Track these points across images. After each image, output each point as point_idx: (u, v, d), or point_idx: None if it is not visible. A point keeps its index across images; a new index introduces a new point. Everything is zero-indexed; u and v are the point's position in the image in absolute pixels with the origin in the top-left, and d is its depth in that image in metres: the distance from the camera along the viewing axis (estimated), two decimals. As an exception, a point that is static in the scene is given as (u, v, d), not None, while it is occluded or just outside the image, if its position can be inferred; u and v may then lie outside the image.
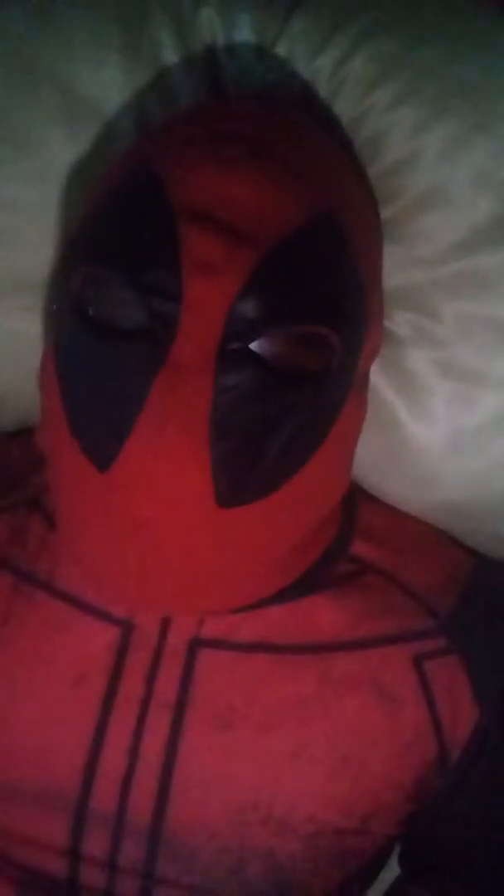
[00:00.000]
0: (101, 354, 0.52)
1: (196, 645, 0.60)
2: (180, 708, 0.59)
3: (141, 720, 0.59)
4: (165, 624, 0.60)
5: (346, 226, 0.54)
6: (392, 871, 0.69)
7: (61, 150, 0.62)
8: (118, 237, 0.52)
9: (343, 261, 0.54)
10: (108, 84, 0.61)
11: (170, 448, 0.49)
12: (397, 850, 0.68)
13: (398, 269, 0.61)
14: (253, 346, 0.51)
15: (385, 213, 0.61)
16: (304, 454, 0.55)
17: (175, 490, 0.50)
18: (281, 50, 0.61)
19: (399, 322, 0.63)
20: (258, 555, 0.57)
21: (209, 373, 0.49)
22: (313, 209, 0.52)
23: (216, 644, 0.60)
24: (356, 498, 0.68)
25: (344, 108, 0.61)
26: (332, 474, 0.60)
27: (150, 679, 0.59)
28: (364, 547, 0.65)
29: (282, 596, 0.61)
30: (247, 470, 0.52)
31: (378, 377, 0.64)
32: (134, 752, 0.58)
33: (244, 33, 0.61)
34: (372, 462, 0.66)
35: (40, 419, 0.59)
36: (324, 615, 0.61)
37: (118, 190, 0.53)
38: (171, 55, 0.62)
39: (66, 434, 0.54)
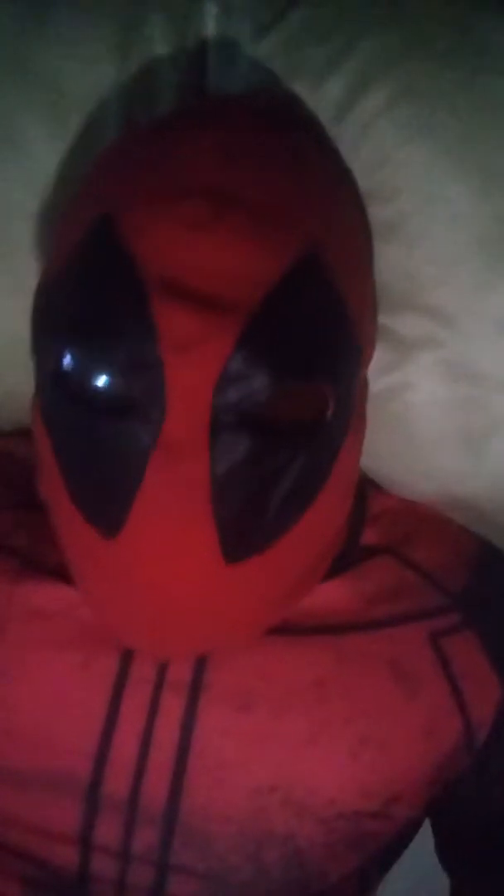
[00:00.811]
0: (92, 430, 0.51)
1: None
2: (195, 690, 0.58)
3: (154, 703, 0.58)
4: None
5: (329, 257, 0.52)
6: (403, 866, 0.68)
7: (51, 150, 0.62)
8: (89, 313, 0.50)
9: (330, 302, 0.52)
10: (100, 84, 0.61)
11: (173, 519, 0.49)
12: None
13: (400, 270, 0.61)
14: (244, 412, 0.50)
15: (385, 213, 0.61)
16: (307, 500, 0.54)
17: (182, 557, 0.50)
18: (275, 44, 0.61)
19: (404, 323, 0.63)
20: (267, 596, 0.57)
21: (203, 449, 0.49)
22: (294, 254, 0.51)
23: None
24: (365, 487, 0.68)
25: (340, 107, 0.61)
26: (337, 505, 0.60)
27: (163, 662, 0.59)
28: (375, 533, 0.65)
29: None
30: (251, 526, 0.52)
31: (384, 377, 0.64)
32: (147, 736, 0.58)
33: (239, 30, 0.61)
34: (380, 459, 0.67)
35: (40, 470, 0.58)
36: (338, 598, 0.61)
37: (83, 247, 0.51)
38: (163, 55, 0.62)
39: (68, 503, 0.54)
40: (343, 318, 0.53)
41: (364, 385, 0.60)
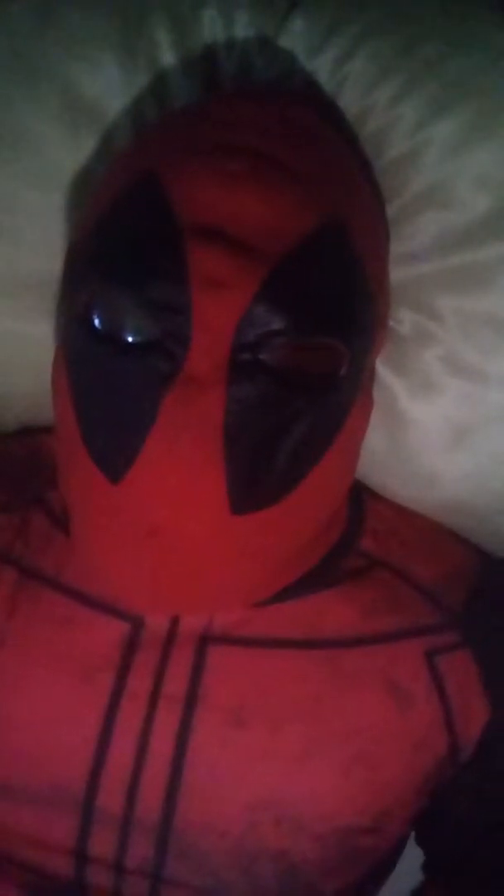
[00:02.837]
0: (113, 369, 0.52)
1: (206, 641, 0.59)
2: (190, 704, 0.58)
3: (149, 717, 0.58)
4: (175, 620, 0.60)
5: (353, 231, 0.54)
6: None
7: (61, 150, 0.62)
8: (125, 254, 0.52)
9: (351, 267, 0.54)
10: (108, 83, 0.61)
11: (184, 460, 0.50)
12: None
13: (399, 266, 0.61)
14: (262, 356, 0.51)
15: (387, 209, 0.61)
16: (314, 457, 0.55)
17: (189, 499, 0.51)
18: (279, 49, 0.61)
19: (400, 319, 0.63)
20: (269, 555, 0.57)
21: (221, 386, 0.50)
22: (321, 218, 0.52)
23: (226, 640, 0.59)
24: (363, 495, 0.68)
25: (345, 107, 0.61)
26: (340, 473, 0.60)
27: (159, 675, 0.59)
28: (372, 543, 0.65)
29: (292, 593, 0.60)
30: (259, 477, 0.53)
31: (381, 375, 0.64)
32: (142, 750, 0.58)
33: (244, 32, 0.61)
34: (375, 460, 0.66)
35: (55, 425, 0.59)
36: (334, 611, 0.61)
37: (122, 202, 0.53)
38: (170, 55, 0.62)
39: (79, 445, 0.54)
40: (362, 285, 0.55)
41: (373, 371, 0.61)
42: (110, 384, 0.52)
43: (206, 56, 0.62)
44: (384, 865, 0.64)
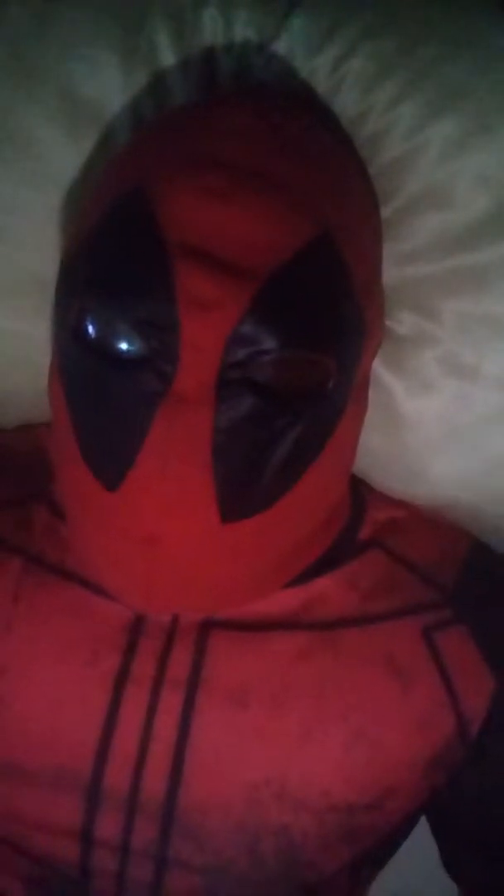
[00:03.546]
0: (106, 382, 0.53)
1: (208, 625, 0.60)
2: (192, 687, 0.59)
3: (154, 700, 0.59)
4: None
5: (342, 241, 0.54)
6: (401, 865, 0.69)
7: (60, 151, 0.63)
8: (114, 271, 0.53)
9: (340, 279, 0.54)
10: (107, 85, 0.62)
11: (174, 473, 0.51)
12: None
13: (396, 267, 0.62)
14: (251, 374, 0.52)
15: (384, 211, 0.61)
16: (303, 466, 0.56)
17: (180, 510, 0.52)
18: (280, 49, 0.62)
19: (398, 319, 0.63)
20: (261, 560, 0.58)
21: (209, 404, 0.51)
22: (309, 231, 0.53)
23: (228, 625, 0.60)
24: (363, 492, 0.69)
25: (343, 108, 0.61)
26: (332, 478, 0.61)
27: (163, 659, 0.60)
28: (370, 532, 0.66)
29: (291, 580, 0.61)
30: (248, 487, 0.54)
31: (379, 374, 0.65)
32: (147, 732, 0.59)
33: (243, 32, 0.62)
34: (373, 458, 0.67)
35: (52, 429, 0.60)
36: (333, 594, 0.62)
37: (110, 216, 0.54)
38: (169, 56, 0.62)
39: (76, 454, 0.56)
40: (350, 298, 0.55)
41: (367, 375, 0.62)
42: (104, 397, 0.53)
43: (206, 56, 0.62)
44: (385, 846, 0.65)
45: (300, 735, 0.59)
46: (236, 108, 0.57)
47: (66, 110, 0.62)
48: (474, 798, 0.64)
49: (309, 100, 0.62)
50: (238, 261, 0.51)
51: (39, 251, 0.64)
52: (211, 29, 0.62)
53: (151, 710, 0.59)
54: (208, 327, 0.50)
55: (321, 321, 0.53)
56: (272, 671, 0.59)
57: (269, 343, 0.51)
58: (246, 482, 0.53)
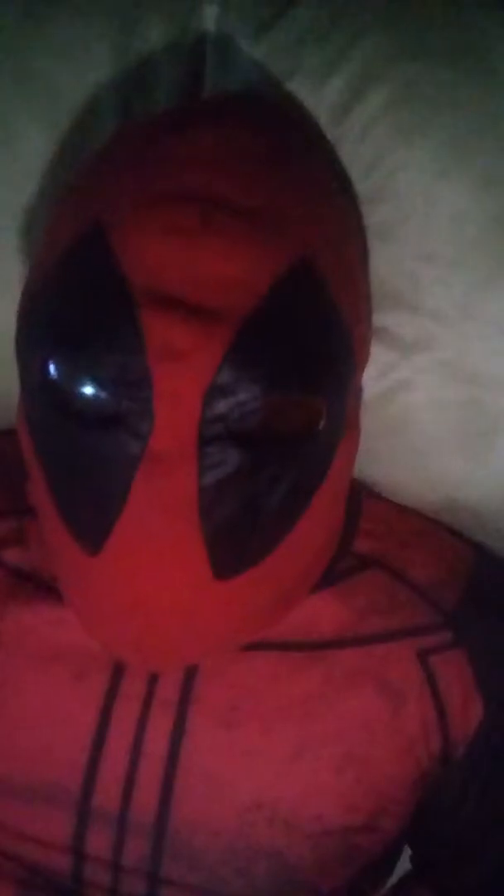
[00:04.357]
0: (77, 444, 0.50)
1: None
2: (183, 706, 0.58)
3: (143, 718, 0.58)
4: None
5: (324, 263, 0.52)
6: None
7: (49, 151, 0.62)
8: (75, 323, 0.49)
9: (323, 308, 0.51)
10: (95, 84, 0.61)
11: (159, 536, 0.49)
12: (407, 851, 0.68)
13: (397, 270, 0.61)
14: (234, 425, 0.49)
15: (382, 213, 0.61)
16: (298, 511, 0.54)
17: (169, 573, 0.50)
18: (275, 46, 0.61)
19: (401, 324, 0.62)
20: (256, 609, 0.57)
21: (191, 461, 0.48)
22: (286, 261, 0.50)
23: None
24: (359, 493, 0.67)
25: (339, 108, 0.60)
26: (329, 512, 0.59)
27: (153, 677, 0.59)
28: (367, 543, 0.65)
29: None
30: (240, 541, 0.51)
31: (385, 380, 0.64)
32: (136, 750, 0.58)
33: (239, 30, 0.61)
34: (377, 461, 0.66)
35: (28, 477, 0.58)
36: (327, 612, 0.61)
37: (69, 256, 0.51)
38: (160, 56, 0.62)
39: (54, 514, 0.54)
40: (336, 325, 0.52)
41: (358, 392, 0.60)
42: (77, 458, 0.51)
43: (198, 55, 0.61)
44: (381, 866, 0.64)
45: (291, 756, 0.58)
46: (204, 127, 0.53)
47: (52, 109, 0.62)
48: (451, 818, 0.63)
49: (293, 108, 0.60)
50: (210, 304, 0.47)
51: (24, 251, 0.64)
52: (205, 26, 0.61)
53: (141, 729, 0.58)
54: (183, 379, 0.47)
55: (306, 360, 0.50)
56: (263, 691, 0.59)
57: (251, 392, 0.48)
58: (238, 538, 0.51)
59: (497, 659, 0.62)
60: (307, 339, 0.50)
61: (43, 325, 0.51)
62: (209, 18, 0.61)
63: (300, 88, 0.61)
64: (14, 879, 0.60)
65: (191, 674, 0.59)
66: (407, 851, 0.68)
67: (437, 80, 0.58)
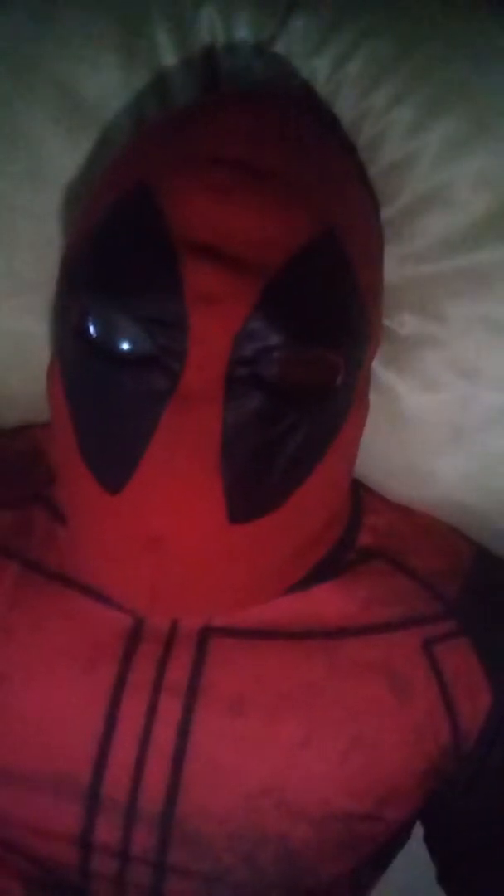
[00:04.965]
0: (109, 382, 0.53)
1: (207, 633, 0.60)
2: (191, 695, 0.59)
3: (152, 707, 0.59)
4: None
5: (346, 239, 0.54)
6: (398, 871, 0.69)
7: (59, 150, 0.62)
8: (119, 268, 0.52)
9: (345, 276, 0.54)
10: (107, 84, 0.62)
11: (182, 473, 0.51)
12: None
13: (399, 268, 0.62)
14: (259, 371, 0.52)
15: (385, 212, 0.61)
16: (311, 465, 0.56)
17: (188, 510, 0.52)
18: (279, 49, 0.61)
19: (401, 321, 0.63)
20: (268, 562, 0.58)
21: (218, 401, 0.51)
22: (315, 228, 0.53)
23: (227, 632, 0.60)
24: (362, 493, 0.69)
25: (342, 109, 0.61)
26: (337, 477, 0.61)
27: (161, 666, 0.60)
28: (370, 538, 0.66)
29: (291, 586, 0.61)
30: (256, 487, 0.54)
31: (381, 375, 0.64)
32: (145, 739, 0.59)
33: (243, 32, 0.62)
34: (375, 459, 0.67)
35: (52, 433, 0.60)
36: (332, 602, 0.62)
37: (116, 213, 0.53)
38: (169, 55, 0.62)
39: (76, 456, 0.55)
40: (356, 294, 0.55)
41: (369, 371, 0.62)
42: (107, 398, 0.53)
43: (206, 55, 0.62)
44: (383, 854, 0.65)
45: (298, 744, 0.59)
46: (238, 107, 0.57)
47: (65, 110, 0.62)
48: (466, 813, 0.64)
49: (309, 101, 0.61)
50: (245, 256, 0.51)
51: (37, 251, 0.64)
52: (211, 28, 0.62)
53: (150, 718, 0.59)
54: (217, 323, 0.50)
55: (329, 317, 0.53)
56: (270, 679, 0.59)
57: (277, 339, 0.51)
58: (254, 482, 0.53)
59: (502, 648, 0.63)
60: (330, 300, 0.53)
61: (87, 271, 0.53)
62: (210, 21, 0.62)
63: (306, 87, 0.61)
64: (22, 876, 0.60)
65: (198, 662, 0.59)
66: (408, 846, 0.68)
67: (437, 81, 0.59)
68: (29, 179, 0.63)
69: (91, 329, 0.53)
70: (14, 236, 0.64)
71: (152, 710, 0.59)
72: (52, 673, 0.60)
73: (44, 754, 0.59)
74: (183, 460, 0.50)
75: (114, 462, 0.53)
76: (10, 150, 0.62)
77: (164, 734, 0.59)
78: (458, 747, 0.61)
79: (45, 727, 0.59)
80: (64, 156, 0.62)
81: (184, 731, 0.59)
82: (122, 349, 0.52)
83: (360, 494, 0.68)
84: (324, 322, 0.53)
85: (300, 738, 0.59)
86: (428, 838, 0.68)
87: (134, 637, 0.60)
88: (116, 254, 0.52)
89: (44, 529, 0.64)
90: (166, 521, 0.52)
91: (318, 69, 0.61)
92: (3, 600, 0.62)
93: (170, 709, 0.59)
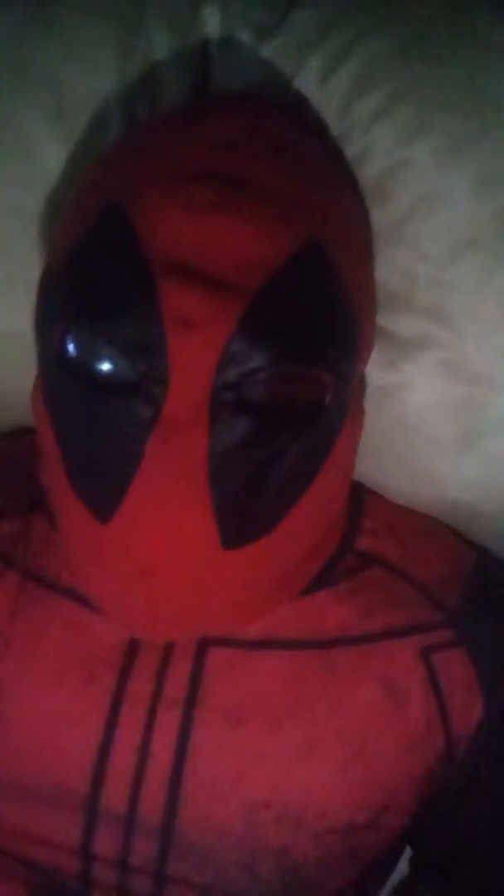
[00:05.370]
0: (93, 410, 0.51)
1: (205, 643, 0.60)
2: (189, 706, 0.59)
3: (150, 718, 0.59)
4: None
5: (332, 248, 0.53)
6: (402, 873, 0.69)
7: (53, 152, 0.62)
8: (95, 292, 0.51)
9: (331, 288, 0.53)
10: (102, 86, 0.61)
11: (170, 502, 0.49)
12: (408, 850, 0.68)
13: (400, 272, 0.61)
14: (244, 394, 0.50)
15: (385, 215, 0.61)
16: (304, 484, 0.55)
17: (178, 541, 0.51)
18: (277, 46, 0.61)
19: (403, 324, 0.62)
20: (263, 583, 0.57)
21: (203, 426, 0.49)
22: (298, 241, 0.51)
23: (225, 642, 0.60)
24: (361, 494, 0.68)
25: (339, 108, 0.60)
26: (333, 492, 0.60)
27: (160, 677, 0.59)
28: (369, 541, 0.65)
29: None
30: (248, 512, 0.53)
31: (383, 379, 0.64)
32: (144, 751, 0.58)
33: (242, 33, 0.61)
34: (377, 461, 0.66)
35: (41, 454, 0.59)
36: (331, 610, 0.61)
37: (90, 234, 0.52)
38: (165, 56, 0.61)
39: (66, 485, 0.54)
40: (344, 308, 0.53)
41: (362, 382, 0.61)
42: (92, 424, 0.52)
43: (202, 56, 0.61)
44: (385, 864, 0.65)
45: (298, 755, 0.58)
46: (221, 115, 0.55)
47: (58, 111, 0.61)
48: (454, 818, 0.63)
49: (298, 107, 0.61)
50: (225, 276, 0.49)
51: (31, 251, 0.63)
52: (209, 28, 0.61)
53: (148, 729, 0.59)
54: (197, 347, 0.49)
55: (315, 335, 0.52)
56: (268, 690, 0.59)
57: (261, 361, 0.50)
58: (245, 506, 0.52)
59: (500, 658, 0.62)
60: (316, 315, 0.52)
61: (63, 296, 0.52)
62: (210, 20, 0.61)
63: (302, 89, 0.61)
64: (24, 881, 0.60)
65: (197, 673, 0.59)
66: (407, 851, 0.68)
67: (436, 80, 0.58)
68: (23, 179, 0.62)
69: (71, 355, 0.52)
70: (7, 236, 0.63)
71: (151, 722, 0.59)
72: (51, 684, 0.60)
73: (42, 765, 0.59)
74: (170, 490, 0.49)
75: (102, 491, 0.52)
76: (3, 151, 0.62)
77: (163, 746, 0.58)
78: (450, 753, 0.61)
79: (44, 738, 0.59)
80: (57, 157, 0.62)
81: (182, 743, 0.58)
82: (103, 375, 0.51)
83: (359, 496, 0.68)
84: (309, 339, 0.51)
85: (300, 749, 0.59)
86: (410, 838, 0.67)
87: (132, 649, 0.60)
88: (92, 277, 0.51)
89: (43, 538, 0.63)
90: (156, 552, 0.51)
91: (315, 67, 0.60)
92: (3, 609, 0.61)
93: (168, 720, 0.59)
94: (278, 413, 0.51)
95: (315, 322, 0.52)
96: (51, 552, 0.62)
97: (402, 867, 0.68)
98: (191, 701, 0.59)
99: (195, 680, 0.59)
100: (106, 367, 0.51)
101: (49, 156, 0.62)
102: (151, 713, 0.59)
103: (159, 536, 0.50)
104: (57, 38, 0.60)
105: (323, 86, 0.60)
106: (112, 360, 0.51)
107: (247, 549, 0.53)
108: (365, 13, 0.60)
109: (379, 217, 0.61)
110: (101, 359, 0.51)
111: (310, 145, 0.57)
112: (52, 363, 0.53)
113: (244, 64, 0.61)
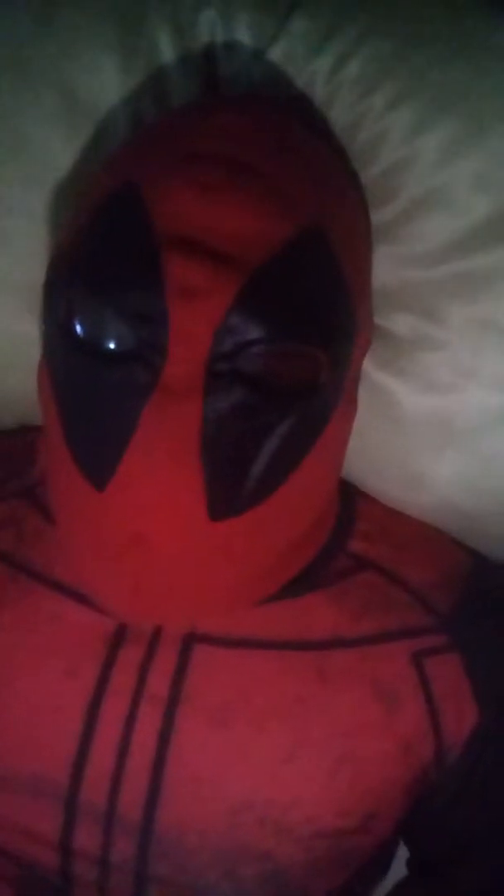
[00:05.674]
0: (94, 378, 0.52)
1: (191, 640, 0.59)
2: (173, 703, 0.58)
3: (132, 714, 0.58)
4: None
5: (334, 238, 0.54)
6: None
7: (58, 152, 0.62)
8: (104, 263, 0.52)
9: (331, 275, 0.54)
10: (107, 86, 0.61)
11: (162, 469, 0.50)
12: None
13: (397, 270, 0.61)
14: (239, 365, 0.51)
15: (384, 214, 0.60)
16: (293, 463, 0.55)
17: (169, 507, 0.51)
18: (279, 50, 0.61)
19: (398, 322, 0.62)
20: (251, 562, 0.57)
21: (198, 395, 0.50)
22: (300, 225, 0.52)
23: (212, 640, 0.59)
24: (354, 496, 0.67)
25: (341, 110, 0.60)
26: (321, 477, 0.59)
27: (143, 672, 0.59)
28: (362, 544, 0.64)
29: (279, 593, 0.60)
30: (237, 483, 0.53)
31: (378, 377, 0.63)
32: (124, 746, 0.58)
33: (243, 34, 0.61)
34: (371, 462, 0.66)
35: (43, 429, 0.59)
36: (321, 612, 0.60)
37: (103, 211, 0.53)
38: (169, 57, 0.61)
39: (65, 453, 0.55)
40: (342, 293, 0.54)
41: (358, 372, 0.61)
42: (93, 393, 0.53)
43: (205, 57, 0.61)
44: (374, 868, 0.64)
45: (283, 758, 0.57)
46: (231, 110, 0.57)
47: (63, 111, 0.61)
48: (449, 821, 0.63)
49: (302, 106, 0.60)
50: (227, 251, 0.50)
51: (33, 252, 0.63)
52: (210, 30, 0.61)
53: (130, 724, 0.58)
54: (196, 317, 0.50)
55: (311, 314, 0.52)
56: (255, 690, 0.58)
57: (257, 334, 0.50)
58: (234, 477, 0.52)
59: (493, 664, 0.61)
60: (313, 296, 0.53)
61: (72, 267, 0.53)
62: (210, 24, 0.61)
63: (306, 90, 0.61)
64: (10, 877, 0.60)
65: (181, 669, 0.58)
66: (400, 855, 0.67)
67: (437, 80, 0.58)
68: (26, 180, 0.63)
69: (76, 325, 0.53)
70: (10, 237, 0.64)
71: (132, 717, 0.58)
72: (34, 674, 0.59)
73: (23, 756, 0.59)
74: (162, 455, 0.50)
75: (100, 458, 0.52)
76: (8, 151, 0.62)
77: (144, 742, 0.58)
78: (441, 760, 0.60)
79: (25, 728, 0.59)
80: (62, 157, 0.62)
81: (164, 740, 0.57)
82: (107, 345, 0.52)
83: (353, 498, 0.67)
84: (306, 319, 0.52)
85: (285, 752, 0.57)
86: (404, 836, 0.67)
87: (116, 641, 0.59)
88: (102, 250, 0.52)
89: (33, 529, 0.63)
90: (147, 517, 0.51)
91: (318, 70, 0.60)
92: None
93: (150, 716, 0.58)
94: (272, 388, 0.52)
95: (313, 303, 0.52)
96: (40, 544, 0.63)
97: (396, 873, 0.67)
98: (174, 697, 0.58)
99: (179, 676, 0.58)
100: (109, 335, 0.52)
101: (55, 156, 0.62)
102: (133, 708, 0.58)
103: (149, 501, 0.51)
104: (60, 39, 0.61)
105: (324, 88, 0.60)
106: (117, 329, 0.52)
107: (233, 522, 0.53)
108: (366, 15, 0.60)
109: (378, 217, 0.61)
110: (106, 328, 0.52)
111: (314, 144, 0.58)
112: (58, 333, 0.54)
113: (247, 66, 0.61)
